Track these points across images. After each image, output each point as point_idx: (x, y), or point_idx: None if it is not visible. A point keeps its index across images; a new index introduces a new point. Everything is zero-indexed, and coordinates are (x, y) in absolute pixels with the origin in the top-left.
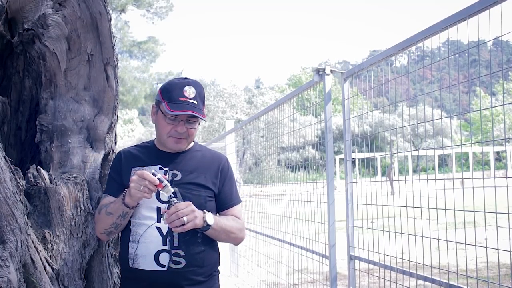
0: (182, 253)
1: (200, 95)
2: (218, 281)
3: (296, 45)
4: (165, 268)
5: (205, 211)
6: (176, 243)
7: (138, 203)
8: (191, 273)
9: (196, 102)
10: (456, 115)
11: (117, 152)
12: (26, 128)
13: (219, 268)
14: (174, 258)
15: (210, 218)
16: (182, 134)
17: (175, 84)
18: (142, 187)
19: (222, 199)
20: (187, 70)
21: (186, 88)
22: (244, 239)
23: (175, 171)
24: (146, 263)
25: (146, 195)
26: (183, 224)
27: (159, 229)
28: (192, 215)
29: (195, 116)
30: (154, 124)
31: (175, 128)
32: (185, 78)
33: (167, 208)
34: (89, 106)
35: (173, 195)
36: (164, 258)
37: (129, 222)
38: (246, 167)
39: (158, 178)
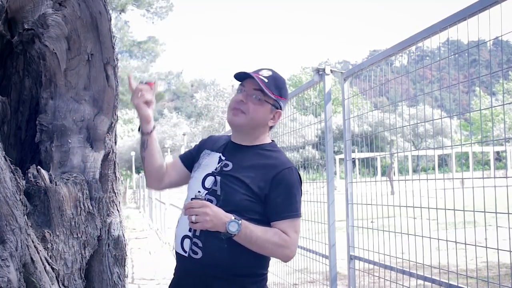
0: (200, 244)
1: (276, 80)
2: (256, 286)
3: (296, 45)
4: (186, 255)
5: (233, 217)
6: (197, 232)
7: (152, 128)
8: (209, 267)
9: (266, 81)
10: (456, 115)
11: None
12: (26, 128)
13: (260, 272)
14: (193, 247)
15: (234, 227)
16: (237, 103)
17: None
18: (139, 94)
19: (270, 209)
20: (187, 70)
21: (263, 70)
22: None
23: (228, 162)
24: (176, 245)
25: (145, 97)
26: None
27: None
28: (202, 217)
29: (259, 89)
30: None
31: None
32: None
33: (191, 199)
34: (89, 106)
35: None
36: (187, 244)
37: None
38: None
39: (146, 82)
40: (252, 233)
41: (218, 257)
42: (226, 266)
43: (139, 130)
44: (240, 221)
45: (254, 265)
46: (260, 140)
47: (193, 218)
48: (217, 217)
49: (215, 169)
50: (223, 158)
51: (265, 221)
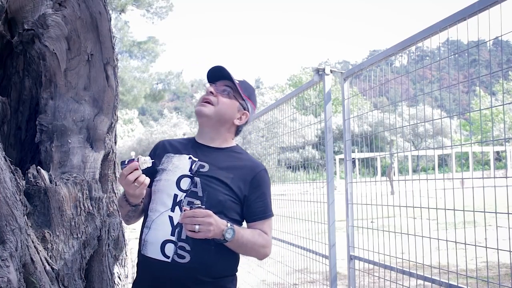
0: (188, 247)
1: (247, 85)
2: (232, 285)
3: (296, 45)
4: (169, 260)
5: (229, 224)
6: (183, 236)
7: (143, 198)
8: (196, 271)
9: (238, 81)
10: (456, 115)
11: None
12: (26, 128)
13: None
14: (179, 251)
15: (230, 233)
16: (207, 95)
17: None
18: (128, 181)
19: (250, 209)
20: (187, 70)
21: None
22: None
23: (203, 163)
24: (153, 250)
25: (138, 182)
26: (194, 231)
27: (170, 218)
28: (206, 227)
29: (229, 86)
30: (154, 124)
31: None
32: None
33: (189, 208)
34: (89, 106)
35: (190, 186)
36: (170, 249)
37: (148, 206)
38: None
39: (128, 160)
40: (243, 237)
41: (206, 260)
42: (212, 268)
43: (126, 201)
44: (233, 227)
45: (233, 266)
46: (228, 143)
47: (197, 227)
48: (218, 226)
49: (190, 171)
50: (194, 159)
51: (241, 221)
